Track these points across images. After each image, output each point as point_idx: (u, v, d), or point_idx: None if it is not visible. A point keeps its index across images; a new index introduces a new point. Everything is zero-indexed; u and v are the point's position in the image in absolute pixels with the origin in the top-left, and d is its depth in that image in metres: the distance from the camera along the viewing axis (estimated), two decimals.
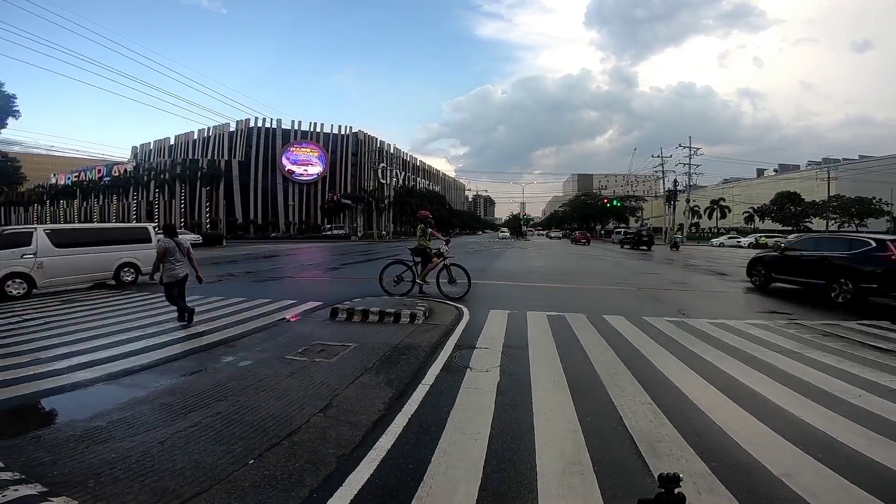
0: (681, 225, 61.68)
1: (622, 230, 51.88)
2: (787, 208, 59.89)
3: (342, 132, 76.69)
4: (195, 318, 6.70)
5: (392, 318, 6.65)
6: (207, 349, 5.35)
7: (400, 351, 5.19)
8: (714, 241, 50.78)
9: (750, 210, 65.43)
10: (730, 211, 67.50)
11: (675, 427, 3.17)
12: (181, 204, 66.31)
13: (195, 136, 77.13)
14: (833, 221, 55.52)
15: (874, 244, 8.79)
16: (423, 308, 7.00)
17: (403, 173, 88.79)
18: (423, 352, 5.13)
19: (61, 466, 2.67)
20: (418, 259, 9.21)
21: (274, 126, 72.39)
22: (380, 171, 75.60)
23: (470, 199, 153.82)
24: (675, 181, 56.51)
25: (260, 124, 71.74)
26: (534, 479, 2.52)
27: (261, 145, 71.46)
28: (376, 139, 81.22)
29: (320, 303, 8.21)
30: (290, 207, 71.45)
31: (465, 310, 7.53)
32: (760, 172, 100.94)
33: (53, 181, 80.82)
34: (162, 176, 67.83)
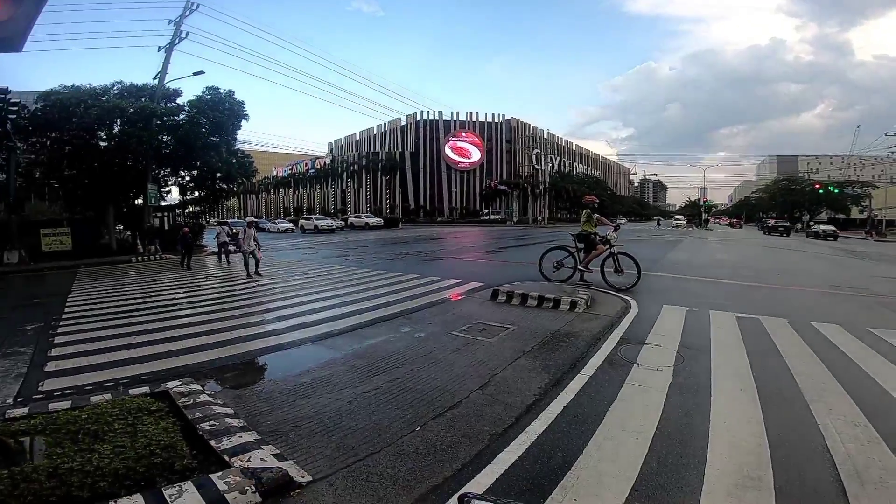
0: None
1: (766, 219, 53.58)
2: None
3: (496, 120, 77.49)
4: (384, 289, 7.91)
5: (551, 304, 6.57)
6: (389, 319, 6.13)
7: (559, 338, 5.12)
8: None
9: None
10: None
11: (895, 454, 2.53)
12: (367, 191, 75.97)
13: (374, 132, 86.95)
14: None
15: None
16: (584, 296, 6.74)
17: (559, 158, 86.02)
18: (584, 341, 4.97)
19: (273, 416, 3.10)
20: (581, 245, 8.82)
21: (436, 118, 77.14)
22: (534, 156, 74.61)
23: (636, 184, 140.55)
24: None
25: (425, 117, 77.24)
26: (698, 488, 2.28)
27: (427, 136, 76.89)
28: (529, 125, 80.00)
29: (481, 283, 8.61)
30: (453, 194, 75.67)
31: (632, 302, 7.00)
32: None
33: (274, 174, 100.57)
34: (351, 168, 78.62)
